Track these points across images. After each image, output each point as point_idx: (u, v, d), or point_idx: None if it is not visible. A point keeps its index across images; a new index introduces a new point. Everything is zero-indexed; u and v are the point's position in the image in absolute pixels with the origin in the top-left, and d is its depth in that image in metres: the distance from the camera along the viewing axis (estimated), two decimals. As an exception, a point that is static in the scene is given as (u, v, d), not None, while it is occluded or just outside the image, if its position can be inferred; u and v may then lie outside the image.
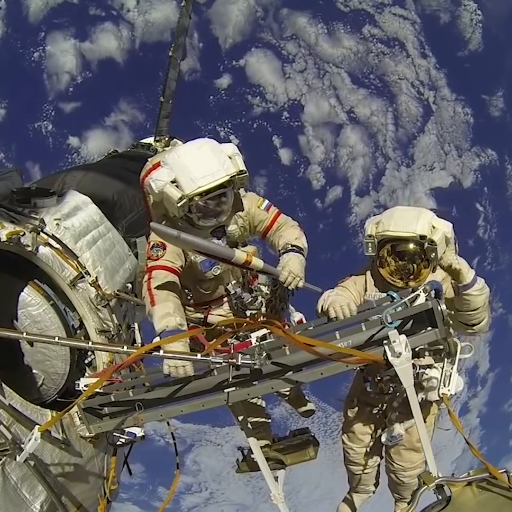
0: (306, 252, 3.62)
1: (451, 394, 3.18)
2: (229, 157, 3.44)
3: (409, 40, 32.92)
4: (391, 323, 2.89)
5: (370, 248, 3.85)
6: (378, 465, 4.55)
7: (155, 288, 3.43)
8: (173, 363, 3.10)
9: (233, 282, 3.84)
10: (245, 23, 34.76)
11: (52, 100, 33.79)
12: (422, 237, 3.57)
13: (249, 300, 3.90)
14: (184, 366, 3.10)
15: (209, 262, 3.62)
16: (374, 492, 4.80)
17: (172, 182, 3.34)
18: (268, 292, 4.02)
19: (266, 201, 3.83)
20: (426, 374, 3.60)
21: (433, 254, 3.58)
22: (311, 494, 32.44)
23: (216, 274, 3.70)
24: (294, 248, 3.55)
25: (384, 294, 3.59)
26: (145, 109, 33.33)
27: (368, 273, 3.98)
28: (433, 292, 3.06)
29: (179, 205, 3.32)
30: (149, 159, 3.74)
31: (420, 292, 3.04)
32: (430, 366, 3.60)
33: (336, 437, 31.56)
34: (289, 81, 34.71)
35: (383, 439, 4.00)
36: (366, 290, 3.92)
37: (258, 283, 4.04)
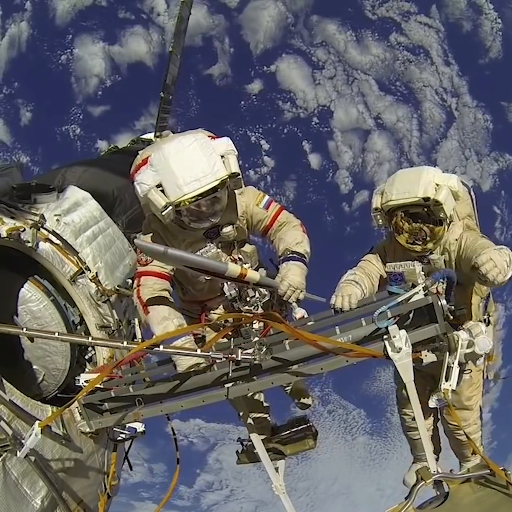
0: (309, 257, 3.46)
1: (453, 389, 3.16)
2: (222, 156, 3.20)
3: (433, 48, 33.14)
4: (384, 322, 2.92)
5: (380, 221, 3.81)
6: (435, 429, 4.51)
7: (144, 295, 3.36)
8: (185, 363, 3.17)
9: (228, 283, 3.62)
10: (276, 29, 34.35)
11: (80, 103, 33.23)
12: (426, 199, 3.48)
13: (244, 302, 3.71)
14: (197, 363, 3.17)
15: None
16: (437, 459, 4.66)
17: (157, 186, 3.14)
18: (266, 292, 3.79)
19: (266, 197, 3.63)
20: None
21: (441, 213, 3.51)
22: (329, 489, 33.25)
23: (208, 278, 3.51)
24: (294, 255, 3.37)
25: (406, 262, 3.67)
26: (175, 113, 33.15)
27: (387, 244, 3.97)
28: (438, 284, 3.02)
29: (163, 213, 3.14)
30: (139, 152, 3.52)
31: (420, 289, 3.00)
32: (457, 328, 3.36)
33: (355, 434, 33.04)
34: (319, 87, 34.59)
35: (431, 404, 3.88)
36: (387, 262, 3.89)
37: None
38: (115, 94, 33.47)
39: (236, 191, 3.47)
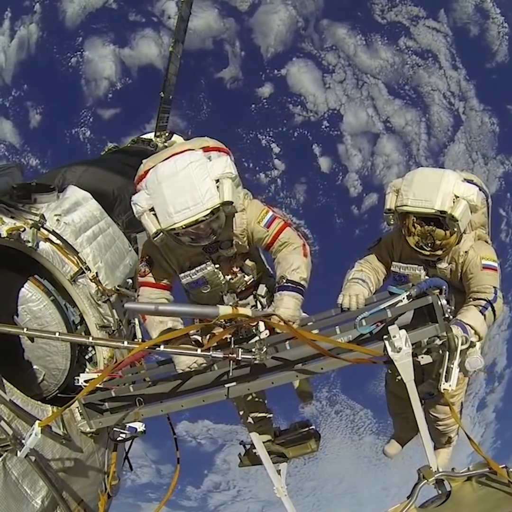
0: (307, 282, 3.37)
1: (452, 389, 3.17)
2: (217, 181, 3.11)
3: (441, 52, 33.67)
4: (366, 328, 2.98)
5: (391, 221, 3.71)
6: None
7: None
8: (183, 362, 3.21)
9: (228, 293, 3.67)
10: (287, 33, 34.89)
11: (90, 106, 33.36)
12: (443, 212, 3.37)
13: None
14: (196, 362, 3.21)
15: (196, 283, 3.51)
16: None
17: (151, 210, 3.12)
18: (267, 303, 3.80)
19: (269, 214, 3.49)
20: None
21: (455, 228, 3.43)
22: (335, 488, 33.70)
23: (205, 292, 3.58)
24: (289, 284, 3.30)
25: (413, 266, 3.67)
26: (186, 116, 33.09)
27: (395, 239, 3.87)
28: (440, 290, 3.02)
29: (155, 239, 3.15)
30: (143, 161, 3.44)
31: (404, 298, 3.01)
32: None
33: (362, 434, 33.52)
34: (329, 91, 35.13)
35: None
36: (393, 258, 3.85)
37: (258, 294, 3.84)
38: (126, 97, 33.64)
39: (237, 207, 3.37)
